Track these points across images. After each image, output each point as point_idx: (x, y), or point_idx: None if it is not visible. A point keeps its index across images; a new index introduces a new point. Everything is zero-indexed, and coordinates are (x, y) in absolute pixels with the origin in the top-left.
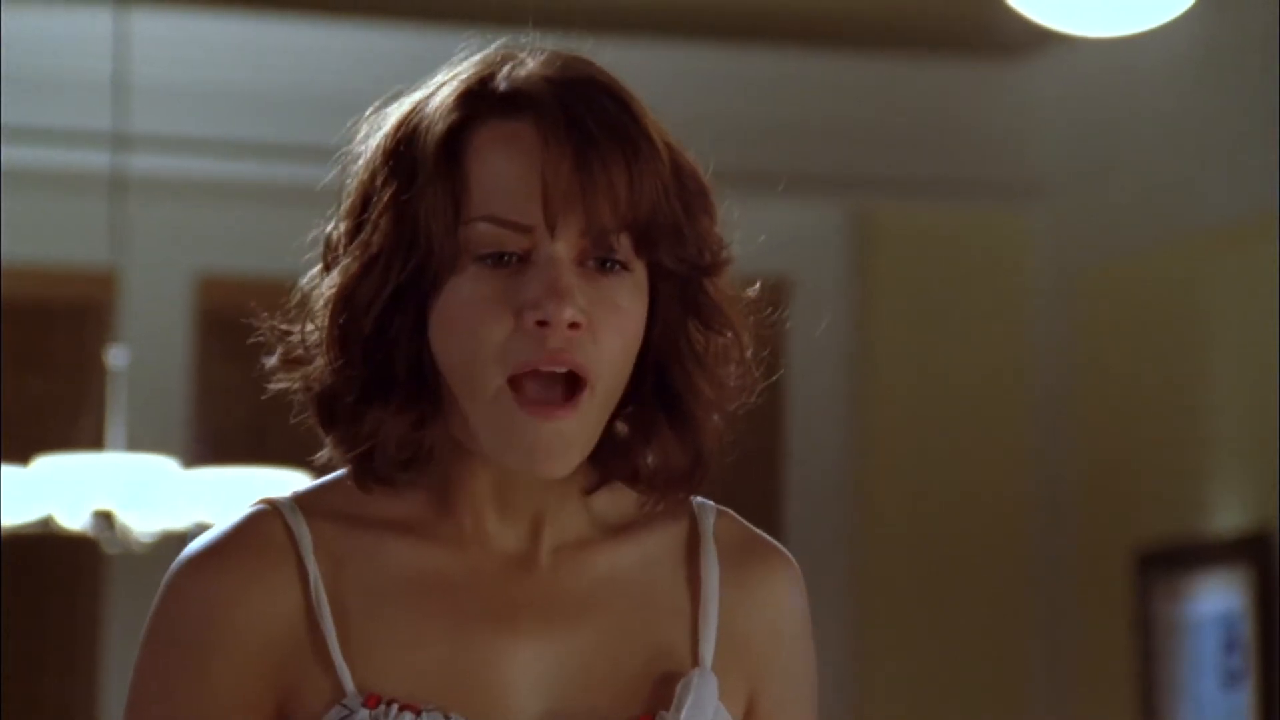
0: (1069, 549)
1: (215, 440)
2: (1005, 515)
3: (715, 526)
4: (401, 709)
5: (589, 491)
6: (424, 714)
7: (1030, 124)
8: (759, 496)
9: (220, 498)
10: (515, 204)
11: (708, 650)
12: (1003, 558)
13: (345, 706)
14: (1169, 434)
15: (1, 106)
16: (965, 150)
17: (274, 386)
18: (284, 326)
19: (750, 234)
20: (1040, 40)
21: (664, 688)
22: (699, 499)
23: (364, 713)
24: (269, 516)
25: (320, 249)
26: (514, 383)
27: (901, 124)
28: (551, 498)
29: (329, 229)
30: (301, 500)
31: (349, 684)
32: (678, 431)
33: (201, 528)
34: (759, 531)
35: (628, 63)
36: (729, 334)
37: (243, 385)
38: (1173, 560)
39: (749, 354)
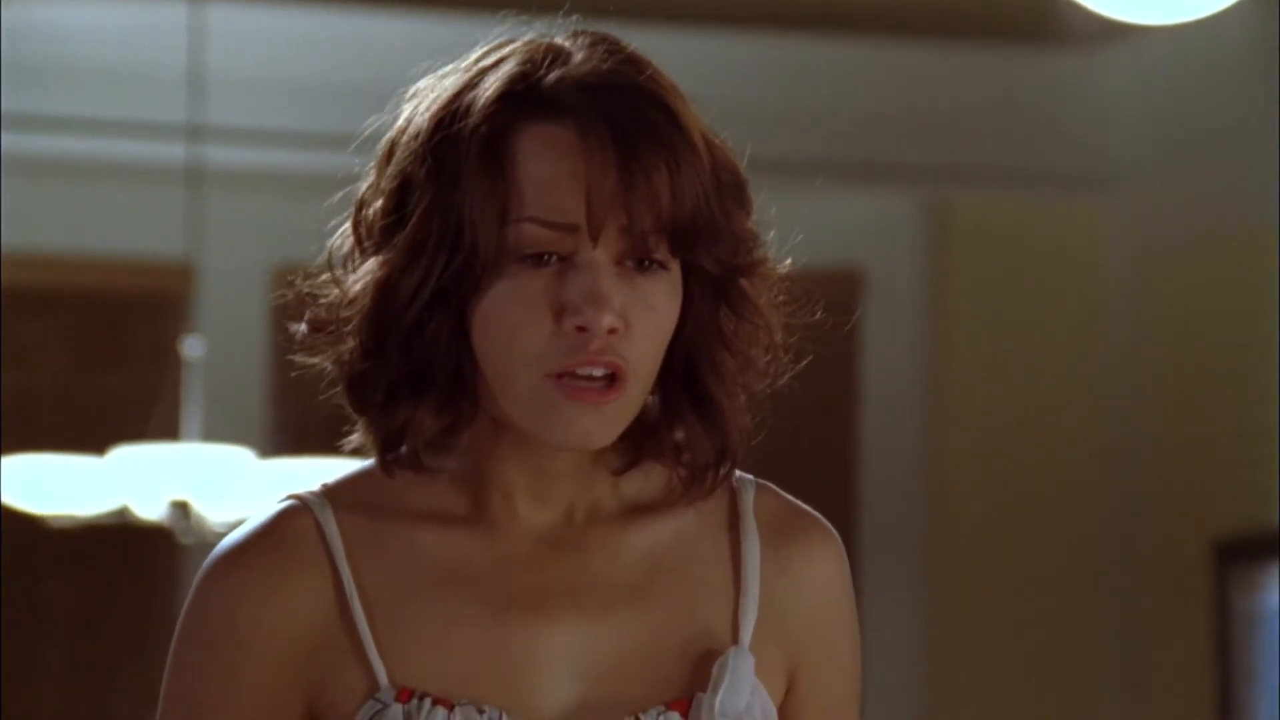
0: (1145, 540)
1: (291, 431)
2: (1080, 506)
3: (755, 502)
4: (435, 703)
5: (618, 473)
6: (457, 708)
7: (1104, 115)
8: (833, 485)
9: (296, 488)
10: (560, 206)
11: (747, 629)
12: (1078, 548)
13: (379, 700)
14: (1245, 424)
15: (74, 100)
16: (1040, 141)
17: (302, 360)
18: (311, 290)
19: (825, 225)
20: (1113, 31)
21: (702, 668)
22: (739, 473)
23: (397, 707)
24: (298, 513)
25: (352, 213)
26: (552, 379)
27: (976, 115)
28: (583, 478)
29: (362, 196)
30: (330, 493)
31: (383, 677)
32: (705, 417)
33: None
34: (800, 504)
35: (698, 54)
36: (759, 321)
37: (319, 376)
38: (1250, 551)
39: (777, 338)
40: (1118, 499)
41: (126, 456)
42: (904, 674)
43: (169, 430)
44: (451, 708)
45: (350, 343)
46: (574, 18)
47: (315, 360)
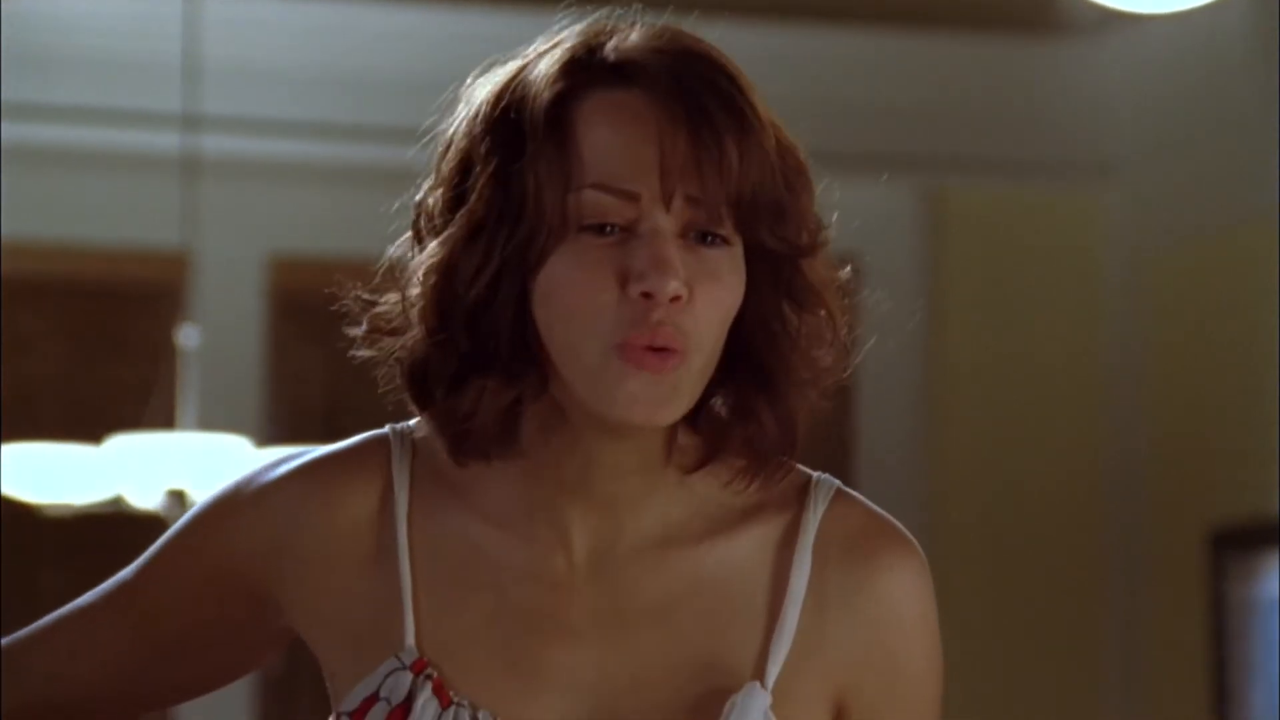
0: (1142, 529)
1: (287, 420)
2: (1077, 495)
3: (824, 519)
4: (435, 690)
5: (691, 470)
6: (452, 706)
7: (1102, 103)
8: (828, 473)
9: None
10: (624, 173)
11: (775, 664)
12: (1075, 538)
13: (399, 660)
14: (1242, 414)
15: (69, 89)
16: (1037, 130)
17: (361, 355)
18: (369, 297)
19: (821, 212)
20: (1111, 20)
21: (715, 703)
22: (821, 477)
23: (407, 675)
24: (381, 444)
25: (411, 217)
26: (618, 349)
27: (973, 103)
28: (639, 486)
29: (421, 196)
30: (421, 442)
31: (410, 637)
32: (771, 409)
33: None
34: (880, 519)
35: None
36: (822, 314)
37: (315, 365)
38: (1246, 540)
39: (842, 334)
40: (1115, 487)
41: (122, 446)
42: None
43: (165, 419)
44: (446, 706)
45: (413, 332)
46: (569, 7)
47: (370, 355)
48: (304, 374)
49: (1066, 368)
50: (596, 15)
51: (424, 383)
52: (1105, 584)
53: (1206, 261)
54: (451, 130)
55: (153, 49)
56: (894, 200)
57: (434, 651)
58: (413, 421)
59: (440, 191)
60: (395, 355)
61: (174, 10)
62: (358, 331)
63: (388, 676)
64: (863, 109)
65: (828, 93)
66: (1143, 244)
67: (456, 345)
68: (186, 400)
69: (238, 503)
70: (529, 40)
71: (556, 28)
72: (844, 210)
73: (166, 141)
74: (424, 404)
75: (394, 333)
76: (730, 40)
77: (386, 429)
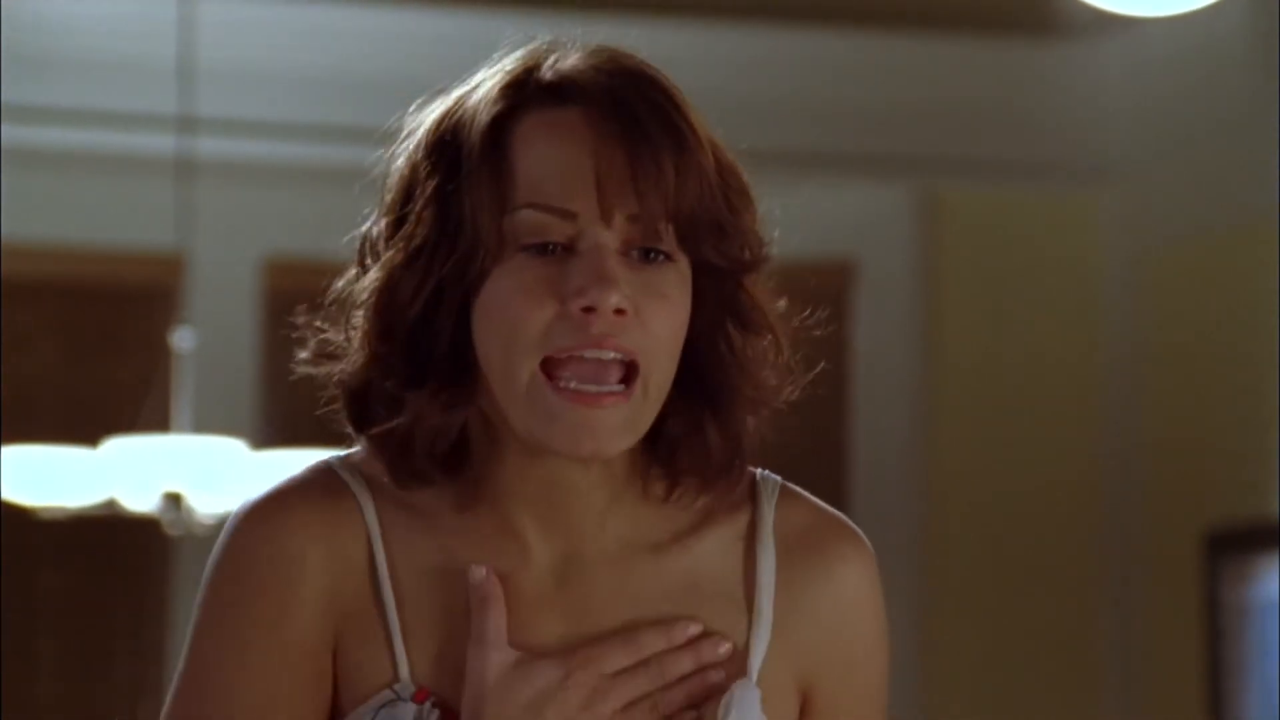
0: (1138, 531)
1: (283, 422)
2: (1074, 498)
3: (776, 516)
4: (443, 717)
5: (666, 498)
6: None
7: (1099, 106)
8: (825, 478)
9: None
10: (561, 191)
11: (757, 658)
12: (1072, 540)
13: (395, 692)
14: (1238, 416)
15: (65, 91)
16: (1033, 132)
17: (302, 372)
18: (320, 324)
19: (817, 215)
20: (1108, 22)
21: (708, 702)
22: (764, 474)
23: (410, 706)
24: (337, 476)
25: (357, 249)
26: (548, 367)
27: (970, 106)
28: (597, 505)
29: (366, 228)
30: (364, 469)
31: (404, 670)
32: (719, 427)
33: None
34: (827, 511)
35: (693, 45)
36: (767, 335)
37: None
38: (1241, 542)
39: (786, 356)
40: (1111, 490)
41: (118, 448)
42: (897, 664)
43: (160, 421)
44: None
45: (354, 357)
46: (564, 10)
47: (318, 371)
48: (299, 375)
49: (1064, 369)
50: (539, 39)
51: (364, 405)
52: (1102, 585)
53: (1206, 262)
54: (396, 161)
55: (148, 51)
56: (891, 202)
57: (424, 676)
58: (345, 453)
59: (384, 220)
60: (339, 381)
61: (169, 12)
62: (304, 355)
63: (381, 709)
64: (860, 110)
65: (826, 94)
66: (1142, 245)
67: (396, 366)
68: (182, 402)
69: (270, 583)
70: (525, 42)
71: (500, 51)
72: (841, 212)
73: (162, 143)
74: (362, 428)
75: (335, 358)
76: (729, 41)
77: (324, 461)
